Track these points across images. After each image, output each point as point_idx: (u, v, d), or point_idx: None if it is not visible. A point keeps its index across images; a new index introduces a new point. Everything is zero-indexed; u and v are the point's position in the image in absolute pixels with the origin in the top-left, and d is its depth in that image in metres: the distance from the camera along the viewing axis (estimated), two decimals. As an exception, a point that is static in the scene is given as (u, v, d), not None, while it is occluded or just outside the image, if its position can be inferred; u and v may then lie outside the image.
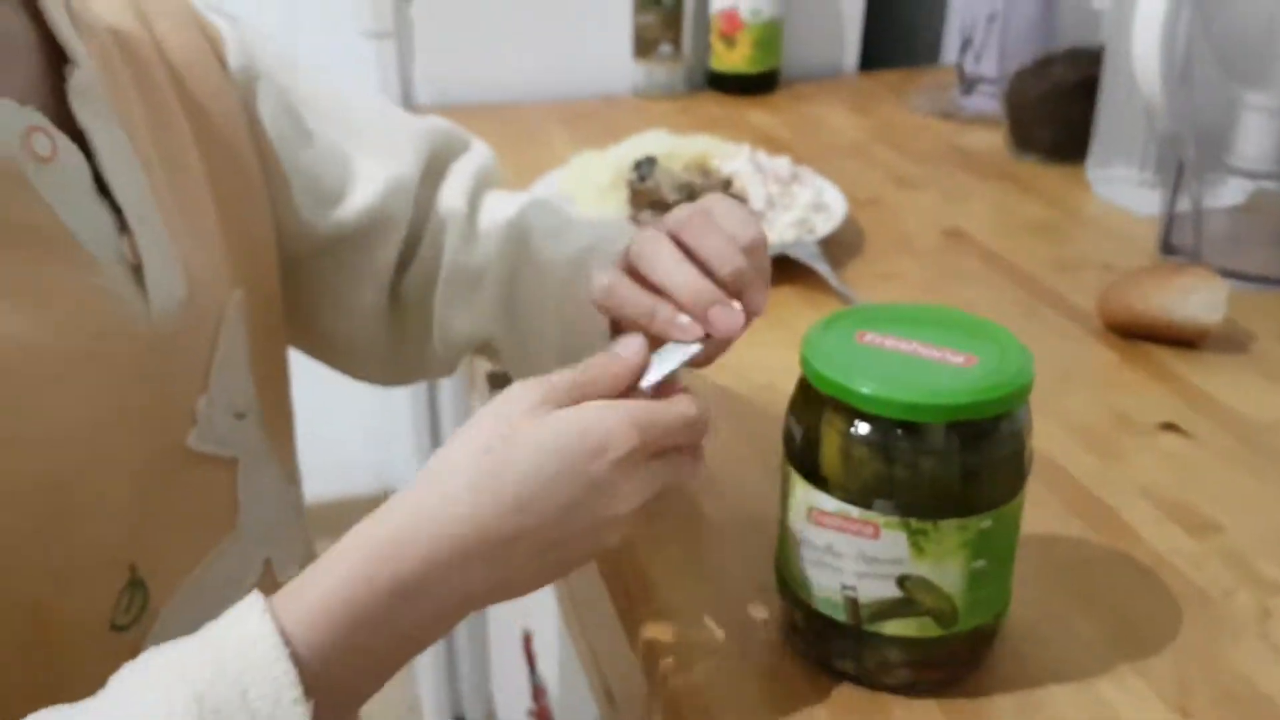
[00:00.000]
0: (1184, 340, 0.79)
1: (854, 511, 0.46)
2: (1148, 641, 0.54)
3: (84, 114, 0.47)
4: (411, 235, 0.65)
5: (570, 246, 0.62)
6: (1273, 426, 0.71)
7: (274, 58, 0.60)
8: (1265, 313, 0.83)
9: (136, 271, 0.47)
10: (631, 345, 0.47)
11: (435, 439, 1.40)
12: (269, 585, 0.57)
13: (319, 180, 0.61)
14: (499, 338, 0.64)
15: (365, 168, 0.63)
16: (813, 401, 0.48)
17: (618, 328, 0.57)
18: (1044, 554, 0.59)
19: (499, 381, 1.02)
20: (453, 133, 0.69)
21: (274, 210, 0.60)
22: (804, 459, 0.48)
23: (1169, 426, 0.71)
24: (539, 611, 1.06)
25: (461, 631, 1.51)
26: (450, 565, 0.40)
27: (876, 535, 0.46)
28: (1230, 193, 0.96)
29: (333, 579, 0.39)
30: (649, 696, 0.55)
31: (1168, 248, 0.93)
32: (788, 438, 0.49)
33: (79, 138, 0.46)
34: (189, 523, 0.52)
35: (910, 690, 0.50)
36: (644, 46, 1.34)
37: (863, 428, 0.46)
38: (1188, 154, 0.89)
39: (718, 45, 1.37)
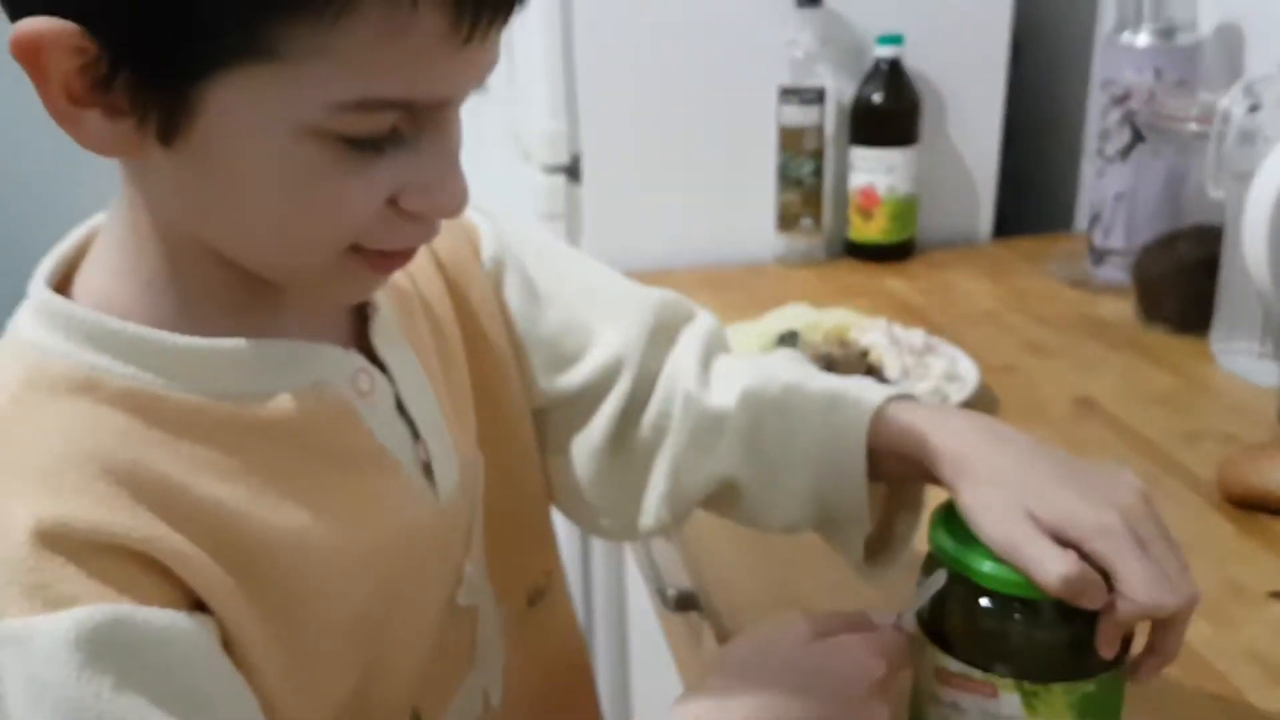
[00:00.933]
0: (1300, 513, 0.84)
1: (976, 674, 0.54)
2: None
3: (384, 349, 0.57)
4: (638, 392, 0.69)
5: (820, 385, 0.66)
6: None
7: (518, 240, 0.69)
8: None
9: (427, 469, 0.58)
10: (909, 623, 0.57)
11: (586, 591, 1.50)
12: (486, 712, 0.66)
13: (557, 348, 0.68)
14: (742, 479, 0.67)
15: (600, 334, 0.68)
16: (940, 573, 0.56)
17: (875, 470, 0.62)
18: (1152, 712, 0.65)
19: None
20: (680, 302, 0.73)
21: (521, 379, 0.68)
22: (932, 623, 0.56)
23: (1277, 595, 0.76)
24: None
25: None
26: None
27: (995, 695, 0.54)
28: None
29: None
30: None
31: (1289, 420, 0.98)
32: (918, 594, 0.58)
33: (383, 368, 0.57)
34: (450, 667, 0.63)
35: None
36: (786, 221, 1.46)
37: (983, 601, 0.54)
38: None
39: (855, 218, 1.48)
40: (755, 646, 0.58)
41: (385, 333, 0.58)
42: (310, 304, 0.55)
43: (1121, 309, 1.28)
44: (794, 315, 1.13)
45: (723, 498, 0.69)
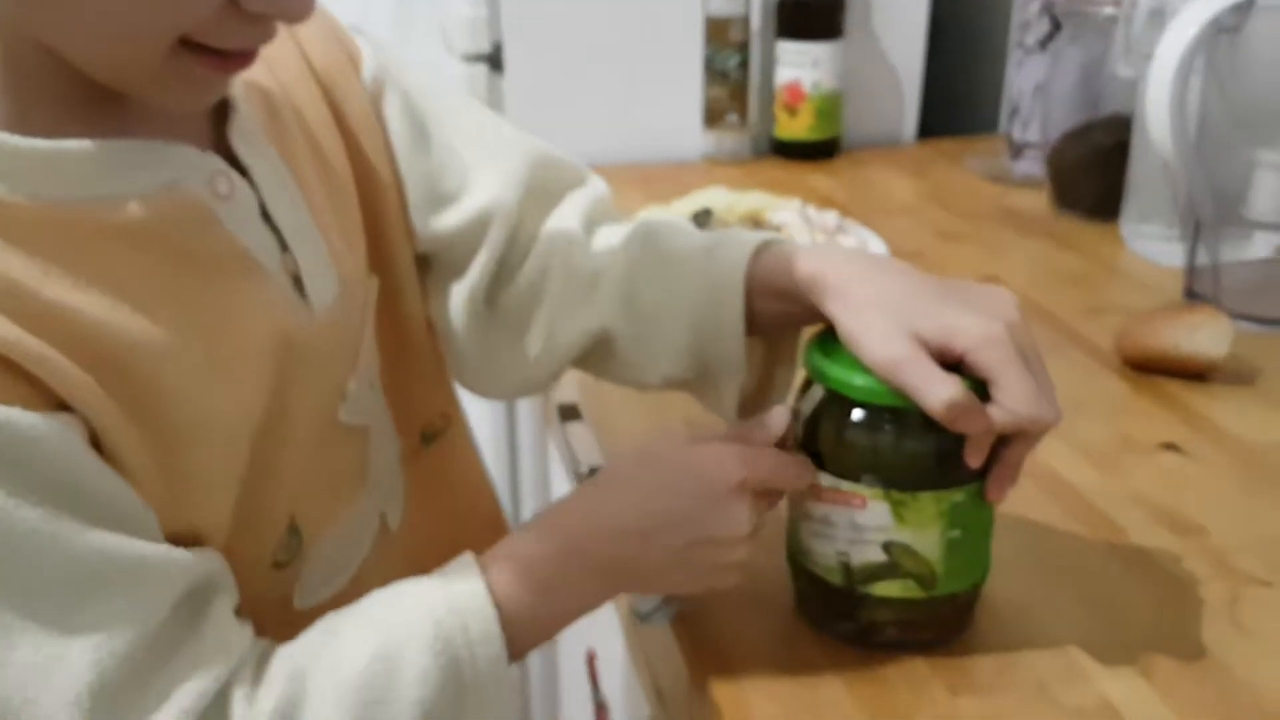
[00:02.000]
0: (1192, 373, 0.85)
1: (845, 485, 0.55)
2: (1123, 618, 0.61)
3: (246, 152, 0.55)
4: (513, 247, 0.69)
5: (699, 235, 0.66)
6: (1270, 448, 0.77)
7: (401, 66, 0.68)
8: (1274, 352, 0.90)
9: (297, 280, 0.58)
10: (778, 419, 0.57)
11: (514, 473, 1.50)
12: (383, 533, 0.66)
13: (435, 184, 0.67)
14: (618, 331, 0.66)
15: (478, 177, 0.67)
16: (814, 392, 0.56)
17: (753, 316, 0.62)
18: (1036, 546, 0.67)
19: (569, 414, 1.12)
20: (566, 162, 0.72)
21: (401, 212, 0.67)
22: (806, 441, 0.56)
23: (1169, 446, 0.78)
24: (602, 631, 1.14)
25: (533, 653, 1.59)
26: (613, 554, 0.56)
27: (864, 506, 0.54)
28: (1258, 246, 1.03)
29: (530, 553, 0.56)
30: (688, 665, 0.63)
31: (1190, 295, 1.00)
32: (793, 422, 0.58)
33: (244, 172, 0.56)
34: (334, 482, 0.63)
35: (899, 648, 0.58)
36: (713, 116, 1.45)
37: (855, 414, 0.54)
38: (1204, 210, 0.96)
39: (781, 115, 1.47)
40: (634, 456, 0.59)
41: (246, 135, 0.56)
42: (154, 109, 0.53)
43: (1036, 200, 1.29)
44: (709, 197, 1.12)
45: (597, 353, 0.69)
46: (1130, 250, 1.13)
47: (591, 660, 1.20)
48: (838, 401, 0.55)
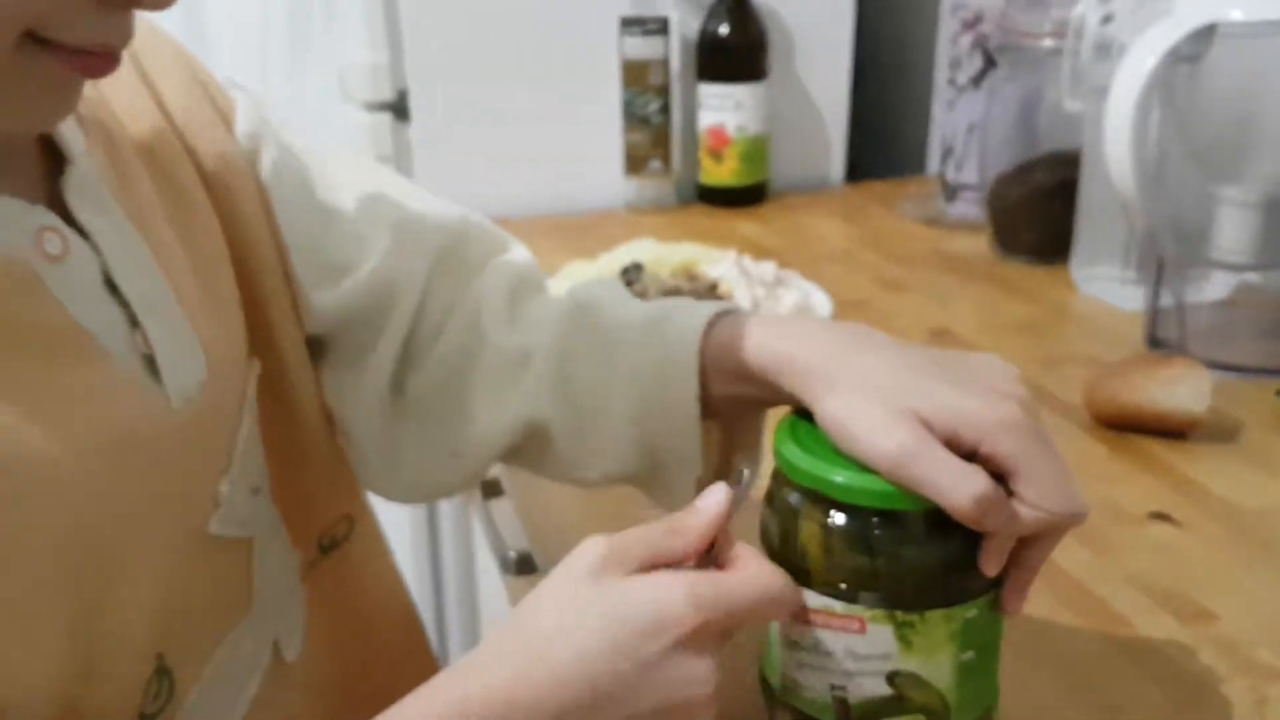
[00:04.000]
0: (1172, 431, 0.79)
1: (839, 606, 0.46)
2: (1145, 734, 0.53)
3: (84, 211, 0.47)
4: (422, 327, 0.60)
5: (639, 308, 0.57)
6: (1262, 514, 0.71)
7: (284, 125, 0.59)
8: (1251, 402, 0.84)
9: (151, 362, 0.47)
10: (713, 506, 0.45)
11: (436, 560, 1.39)
12: (277, 665, 0.56)
13: (325, 254, 0.58)
14: (551, 421, 0.57)
15: (378, 244, 0.59)
16: (788, 493, 0.48)
17: (709, 400, 0.53)
18: (1033, 646, 0.59)
19: (491, 490, 1.02)
20: (485, 227, 0.64)
21: (286, 285, 0.58)
22: (784, 554, 0.48)
23: (1159, 516, 0.71)
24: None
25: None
26: None
27: (863, 630, 0.46)
28: (1215, 287, 0.98)
29: None
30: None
31: (1153, 342, 0.94)
32: (764, 533, 0.49)
33: (84, 234, 0.46)
34: (211, 607, 0.52)
35: (904, 790, 0.49)
36: (634, 163, 1.38)
37: (839, 518, 0.46)
38: (1166, 250, 0.91)
39: (706, 161, 1.40)
40: (551, 599, 0.44)
41: (86, 190, 0.47)
42: None
43: (977, 244, 1.24)
44: (639, 250, 1.04)
45: (527, 448, 0.59)
46: (1082, 294, 1.08)
47: None
48: (821, 503, 0.46)
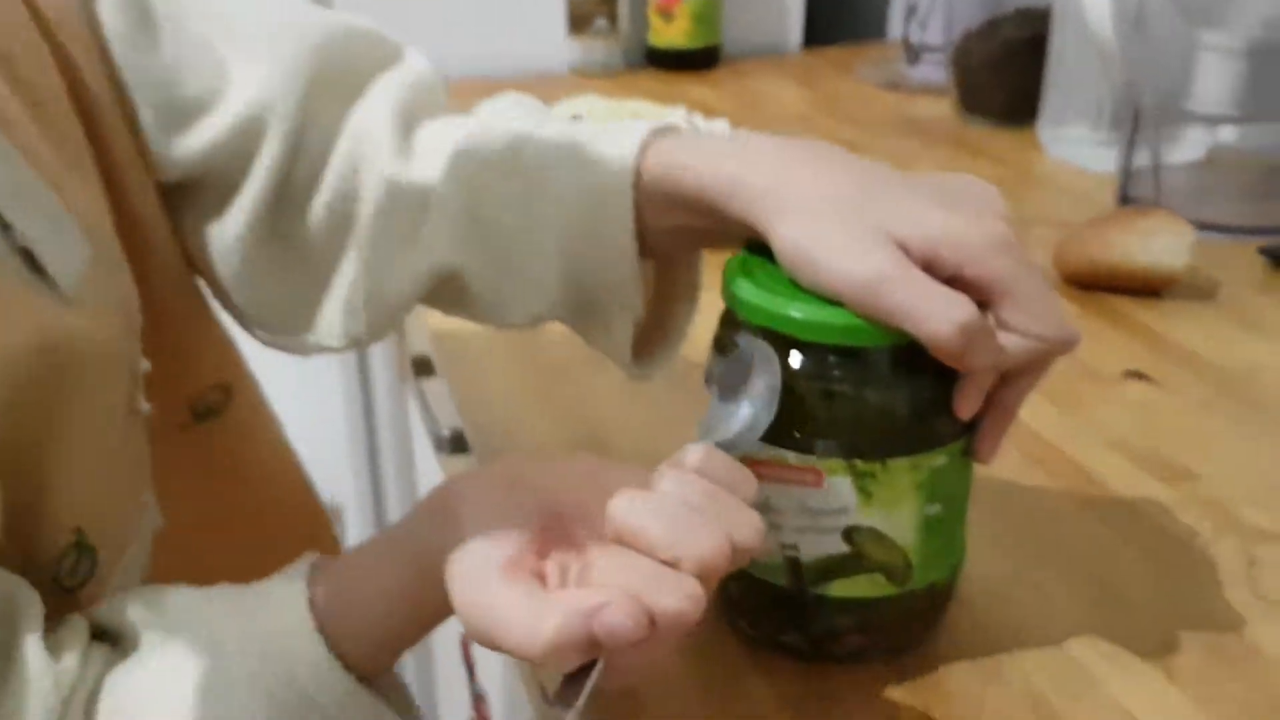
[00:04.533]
0: (1147, 289, 0.74)
1: (791, 457, 0.41)
2: (1123, 597, 0.49)
3: None
4: (299, 163, 0.52)
5: (557, 131, 0.49)
6: (1243, 373, 0.66)
7: None
8: (1230, 262, 0.79)
9: (29, 255, 0.40)
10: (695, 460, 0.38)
11: (372, 439, 1.34)
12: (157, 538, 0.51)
13: (173, 91, 0.50)
14: (465, 266, 0.51)
15: (240, 73, 0.50)
16: (738, 335, 0.42)
17: (645, 234, 0.47)
18: (1003, 508, 0.54)
19: (424, 368, 0.96)
20: (369, 34, 0.54)
21: (132, 136, 0.50)
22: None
23: (1134, 374, 0.66)
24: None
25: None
26: None
27: (819, 483, 0.40)
28: (1187, 148, 0.92)
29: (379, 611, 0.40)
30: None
31: (1125, 202, 0.89)
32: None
33: None
34: (127, 482, 0.47)
35: (861, 659, 0.44)
36: (579, 22, 1.29)
37: (796, 358, 0.40)
38: (1145, 101, 0.85)
39: (655, 20, 1.32)
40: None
41: None
42: None
43: (940, 108, 1.17)
44: (582, 104, 0.96)
45: (443, 295, 0.53)
46: (1050, 156, 1.02)
47: (466, 647, 1.06)
48: (776, 342, 0.40)
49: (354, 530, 1.42)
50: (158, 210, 0.51)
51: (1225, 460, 0.58)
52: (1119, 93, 0.90)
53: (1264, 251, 0.79)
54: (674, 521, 0.35)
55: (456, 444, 0.86)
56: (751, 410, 0.39)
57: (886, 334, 0.38)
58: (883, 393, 0.40)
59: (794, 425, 0.40)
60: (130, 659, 0.39)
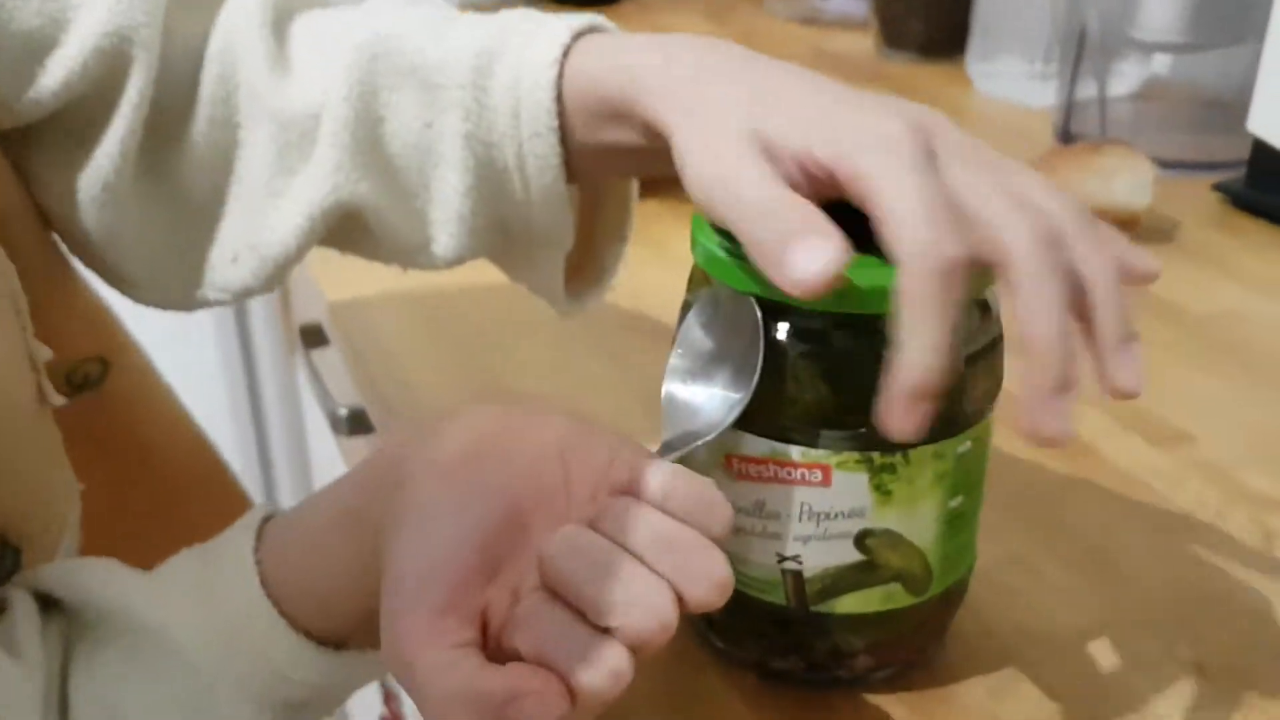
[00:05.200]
0: (1108, 232, 0.69)
1: (794, 452, 0.33)
2: (1136, 583, 0.43)
3: None
4: (166, 90, 0.44)
5: (466, 39, 0.42)
6: (1216, 318, 0.62)
7: None
8: (1185, 199, 0.75)
9: None
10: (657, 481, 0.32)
11: (258, 416, 1.23)
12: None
13: (6, 28, 0.41)
14: (362, 200, 0.43)
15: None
16: (715, 297, 0.34)
17: (570, 163, 0.40)
18: (995, 487, 0.48)
19: (314, 338, 0.87)
20: None
21: None
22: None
23: (1111, 328, 0.61)
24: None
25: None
26: None
27: (827, 481, 0.33)
28: (1120, 82, 0.88)
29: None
30: None
31: (1068, 139, 0.84)
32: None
33: None
34: (44, 473, 0.42)
35: (867, 681, 0.38)
36: (467, -48, 1.19)
37: (783, 329, 0.33)
38: (1090, 26, 0.80)
39: (550, -50, 1.22)
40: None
41: None
42: None
43: (860, 42, 1.11)
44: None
45: (341, 234, 0.46)
46: (980, 91, 0.96)
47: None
48: (767, 310, 0.33)
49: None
50: (2, 163, 0.43)
51: (1216, 418, 0.53)
52: (1059, 21, 0.84)
53: (1219, 188, 0.74)
54: (610, 580, 0.30)
55: (355, 423, 0.77)
56: (731, 392, 0.32)
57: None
58: (902, 370, 0.33)
59: (793, 412, 0.33)
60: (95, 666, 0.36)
